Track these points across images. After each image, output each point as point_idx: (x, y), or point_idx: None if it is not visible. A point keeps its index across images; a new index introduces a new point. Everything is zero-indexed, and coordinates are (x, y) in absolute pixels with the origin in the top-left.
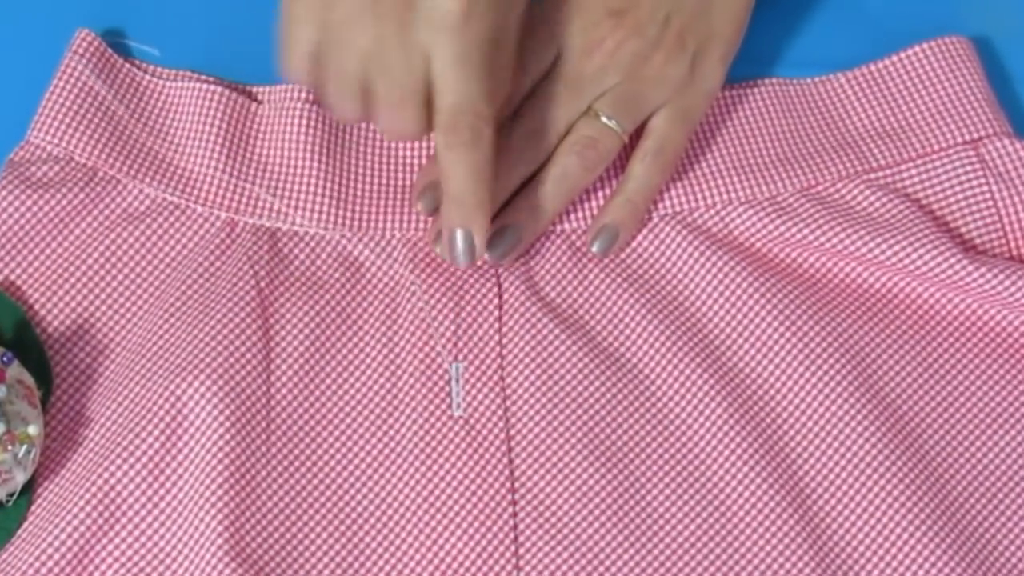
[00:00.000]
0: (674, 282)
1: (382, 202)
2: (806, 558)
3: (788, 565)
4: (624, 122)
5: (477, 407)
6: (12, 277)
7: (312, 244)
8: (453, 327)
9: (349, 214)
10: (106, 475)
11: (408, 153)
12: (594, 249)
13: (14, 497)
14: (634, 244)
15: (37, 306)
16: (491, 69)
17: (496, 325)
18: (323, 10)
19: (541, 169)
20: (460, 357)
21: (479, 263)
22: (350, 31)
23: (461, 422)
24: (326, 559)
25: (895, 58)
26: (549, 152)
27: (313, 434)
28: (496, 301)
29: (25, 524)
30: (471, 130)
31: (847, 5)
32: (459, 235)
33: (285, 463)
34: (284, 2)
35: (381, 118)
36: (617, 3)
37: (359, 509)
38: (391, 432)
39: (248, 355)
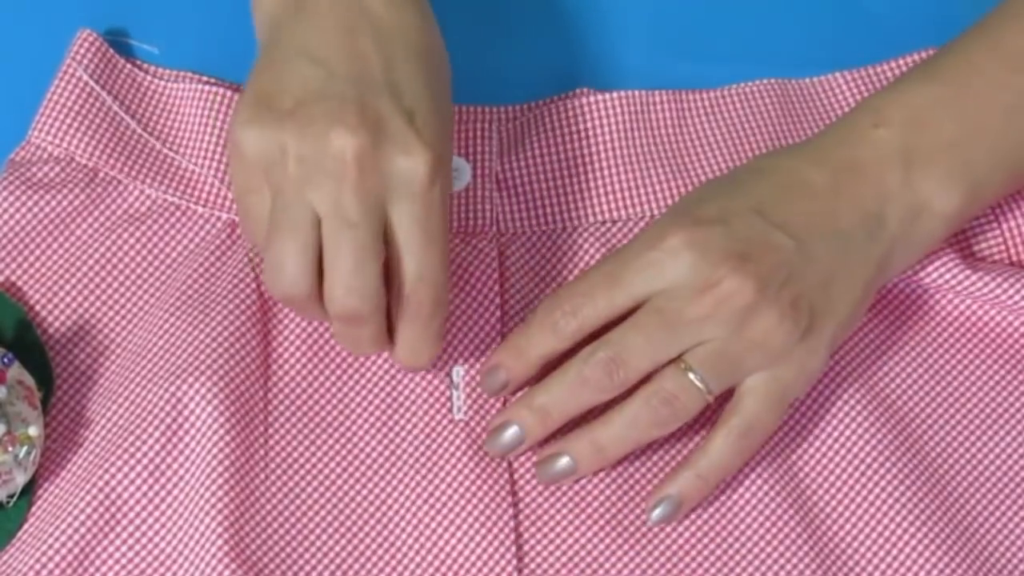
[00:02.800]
0: None
1: None
2: (807, 560)
3: (789, 567)
4: (713, 384)
5: (478, 411)
6: (13, 278)
7: None
8: (455, 331)
9: None
10: (107, 477)
11: None
12: (654, 516)
13: (14, 498)
14: None
15: (38, 307)
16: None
17: (498, 327)
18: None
19: (612, 402)
20: (461, 361)
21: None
22: (302, 192)
23: (462, 425)
24: (326, 560)
25: (894, 63)
26: (624, 387)
27: (313, 436)
28: (498, 302)
29: (25, 526)
30: (433, 303)
31: (848, 5)
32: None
33: (284, 465)
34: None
35: (333, 287)
36: (742, 246)
37: (359, 511)
38: (391, 434)
39: (248, 356)
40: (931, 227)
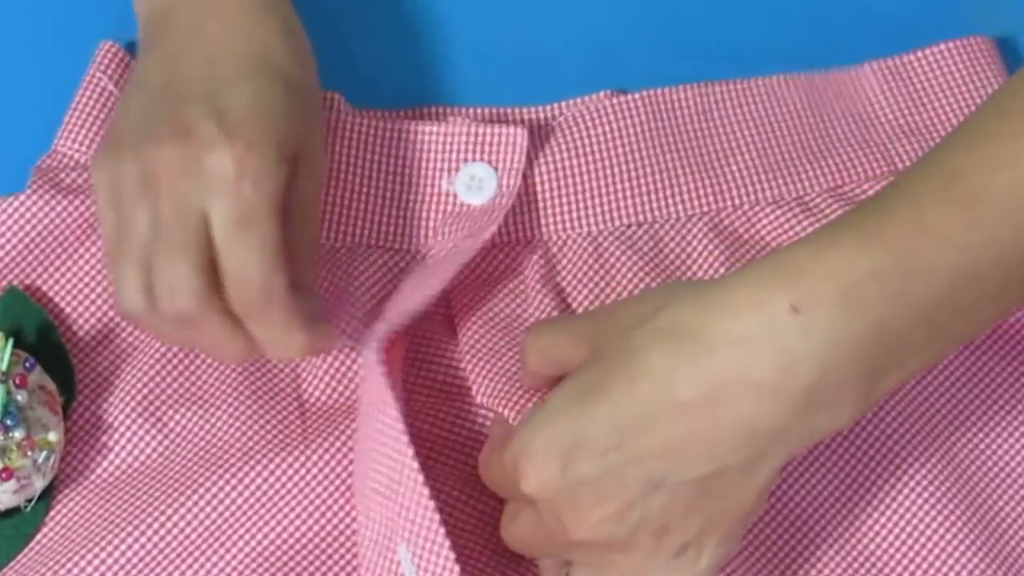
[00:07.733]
0: None
1: (404, 219)
2: (837, 559)
3: (820, 566)
4: None
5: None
6: (39, 282)
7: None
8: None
9: (377, 229)
10: (146, 499)
11: (426, 174)
12: None
13: (32, 503)
14: (660, 245)
15: (63, 310)
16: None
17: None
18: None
19: None
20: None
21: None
22: (134, 211)
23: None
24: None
25: (920, 54)
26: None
27: (346, 437)
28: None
29: (44, 530)
30: (258, 293)
31: (861, 3)
32: None
33: (317, 468)
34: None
35: (157, 291)
36: (587, 494)
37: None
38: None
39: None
40: (834, 429)
